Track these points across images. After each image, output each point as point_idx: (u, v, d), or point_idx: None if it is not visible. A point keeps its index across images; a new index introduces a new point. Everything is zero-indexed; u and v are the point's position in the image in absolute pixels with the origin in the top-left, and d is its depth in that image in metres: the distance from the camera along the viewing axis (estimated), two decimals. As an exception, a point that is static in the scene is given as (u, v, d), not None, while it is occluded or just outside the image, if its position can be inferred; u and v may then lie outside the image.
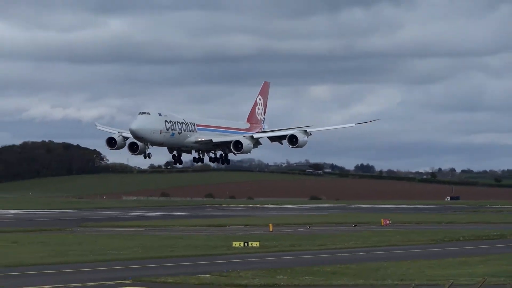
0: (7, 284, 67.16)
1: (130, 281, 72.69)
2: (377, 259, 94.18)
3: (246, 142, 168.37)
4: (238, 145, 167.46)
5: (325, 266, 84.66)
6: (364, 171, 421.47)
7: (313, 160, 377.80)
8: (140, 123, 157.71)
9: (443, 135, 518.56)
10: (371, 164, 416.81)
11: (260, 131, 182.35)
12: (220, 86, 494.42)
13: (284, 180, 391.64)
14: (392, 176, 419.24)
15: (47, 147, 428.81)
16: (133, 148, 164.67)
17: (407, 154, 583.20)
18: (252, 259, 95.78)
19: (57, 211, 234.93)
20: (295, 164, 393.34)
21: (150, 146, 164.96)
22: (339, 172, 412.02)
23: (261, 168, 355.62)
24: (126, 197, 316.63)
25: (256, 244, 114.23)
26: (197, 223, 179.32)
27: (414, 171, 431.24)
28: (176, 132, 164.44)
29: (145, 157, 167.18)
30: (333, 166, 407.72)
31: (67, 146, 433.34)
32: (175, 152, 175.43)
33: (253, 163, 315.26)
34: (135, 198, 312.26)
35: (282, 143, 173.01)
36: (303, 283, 70.99)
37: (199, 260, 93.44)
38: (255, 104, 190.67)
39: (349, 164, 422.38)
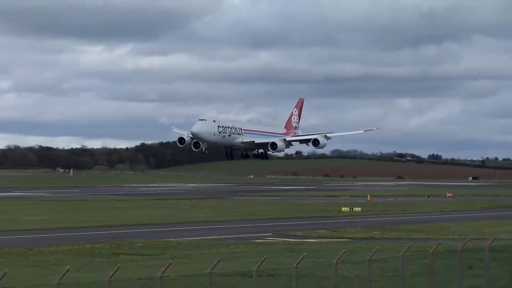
0: (187, 234, 65.99)
1: (270, 233, 71.23)
2: (444, 220, 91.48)
3: (280, 143, 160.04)
4: (274, 146, 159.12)
5: (407, 225, 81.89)
6: (435, 158, 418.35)
7: (399, 151, 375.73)
8: (198, 127, 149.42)
9: (490, 134, 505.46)
10: (439, 154, 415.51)
11: (293, 135, 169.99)
12: (334, 99, 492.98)
13: (378, 165, 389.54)
14: (454, 162, 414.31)
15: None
16: (196, 145, 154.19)
17: (465, 147, 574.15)
18: (355, 220, 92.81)
19: (221, 185, 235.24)
20: (386, 154, 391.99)
21: (206, 145, 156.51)
22: (417, 159, 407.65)
23: (362, 157, 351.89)
24: (268, 175, 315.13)
25: (358, 209, 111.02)
26: (317, 194, 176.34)
27: (469, 159, 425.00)
28: (226, 135, 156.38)
29: (202, 153, 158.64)
30: (412, 155, 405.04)
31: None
32: (228, 150, 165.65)
33: (356, 153, 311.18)
34: (274, 176, 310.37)
35: (308, 145, 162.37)
36: (391, 236, 68.54)
37: (319, 220, 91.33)
38: (291, 115, 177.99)
39: (424, 153, 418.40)
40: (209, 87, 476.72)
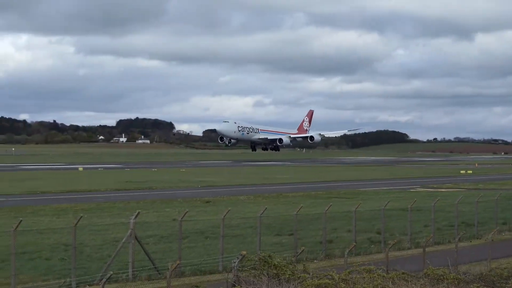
0: (369, 186, 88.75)
1: (419, 186, 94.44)
2: None
3: (285, 139, 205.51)
4: (280, 140, 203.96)
5: (503, 181, 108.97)
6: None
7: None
8: (222, 127, 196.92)
9: None
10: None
11: (301, 134, 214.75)
12: None
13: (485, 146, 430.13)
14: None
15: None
16: (221, 139, 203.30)
17: None
18: (466, 178, 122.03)
19: (390, 158, 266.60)
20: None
21: (229, 139, 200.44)
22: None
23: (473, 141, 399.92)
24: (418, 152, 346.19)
25: (470, 171, 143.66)
26: (446, 163, 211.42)
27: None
28: (245, 132, 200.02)
29: (225, 145, 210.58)
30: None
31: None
32: (252, 144, 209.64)
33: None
34: (421, 152, 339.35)
35: (308, 139, 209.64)
36: (490, 188, 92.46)
37: (447, 178, 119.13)
38: (303, 121, 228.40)
39: None
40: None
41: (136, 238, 30.68)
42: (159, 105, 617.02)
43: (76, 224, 29.10)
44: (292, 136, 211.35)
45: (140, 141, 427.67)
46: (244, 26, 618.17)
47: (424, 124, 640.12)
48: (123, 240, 30.78)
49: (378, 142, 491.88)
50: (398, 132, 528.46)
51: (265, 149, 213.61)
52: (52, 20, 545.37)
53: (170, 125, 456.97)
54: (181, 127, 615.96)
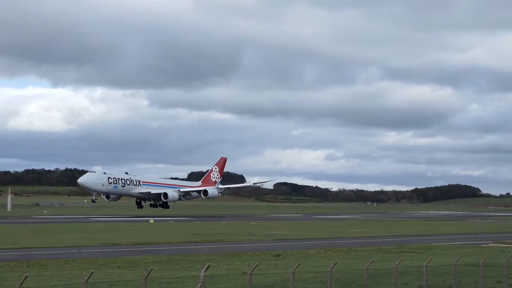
0: (442, 240, 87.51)
1: (491, 241, 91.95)
2: None
3: (172, 194, 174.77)
4: (165, 195, 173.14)
5: None
6: None
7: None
8: (84, 178, 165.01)
9: None
10: None
11: (194, 188, 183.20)
12: None
13: None
14: None
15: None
16: (107, 196, 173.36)
17: None
18: None
19: (460, 212, 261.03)
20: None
21: (95, 193, 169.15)
22: None
23: None
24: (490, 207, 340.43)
25: None
26: None
27: None
28: (119, 185, 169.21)
29: (92, 201, 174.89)
30: None
31: None
32: (137, 200, 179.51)
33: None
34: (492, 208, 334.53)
35: (202, 195, 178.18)
36: None
37: None
38: (211, 171, 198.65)
39: None
40: None
41: (206, 291, 30.83)
42: (231, 157, 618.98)
43: (146, 276, 29.46)
44: (182, 190, 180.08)
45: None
46: (318, 80, 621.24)
47: (497, 178, 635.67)
48: (193, 293, 30.95)
49: (450, 196, 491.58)
50: (470, 186, 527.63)
51: (154, 205, 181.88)
52: (127, 74, 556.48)
53: (241, 178, 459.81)
54: (252, 180, 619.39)
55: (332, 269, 36.38)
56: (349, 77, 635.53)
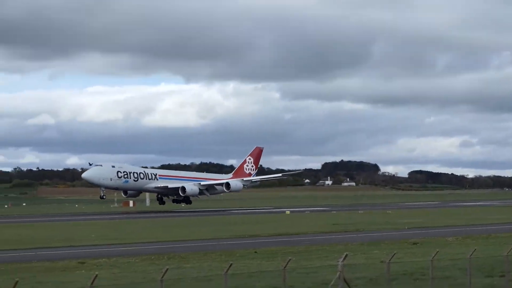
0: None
1: None
2: None
3: (190, 188, 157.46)
4: (183, 190, 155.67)
5: None
6: None
7: None
8: (89, 173, 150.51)
9: None
10: None
11: (244, 179, 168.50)
12: None
13: None
14: None
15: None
16: (125, 193, 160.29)
17: None
18: None
19: None
20: None
21: (103, 189, 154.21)
22: None
23: None
24: None
25: None
26: None
27: None
28: (131, 180, 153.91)
29: (101, 197, 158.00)
30: None
31: None
32: (158, 196, 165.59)
33: None
34: None
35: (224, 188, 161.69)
36: None
37: None
38: (244, 162, 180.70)
39: None
40: None
41: (345, 280, 30.82)
42: (364, 147, 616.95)
43: (285, 266, 29.67)
44: (203, 183, 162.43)
45: (345, 184, 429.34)
46: (450, 66, 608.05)
47: None
48: (332, 282, 31.00)
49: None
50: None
51: (176, 201, 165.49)
52: (258, 68, 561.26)
53: (375, 167, 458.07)
54: (386, 169, 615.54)
55: (471, 256, 35.64)
56: (482, 63, 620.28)
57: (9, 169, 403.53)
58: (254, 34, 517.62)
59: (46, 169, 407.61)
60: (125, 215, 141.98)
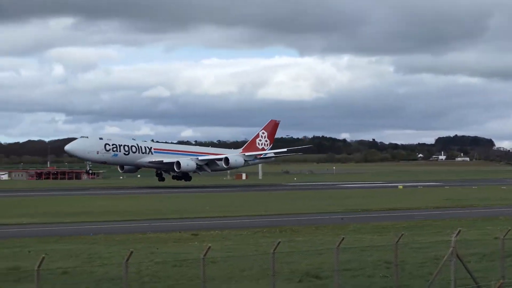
0: None
1: None
2: None
3: (185, 163, 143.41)
4: (178, 165, 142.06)
5: None
6: None
7: None
8: (73, 145, 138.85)
9: None
10: None
11: (246, 154, 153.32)
12: None
13: None
14: None
15: None
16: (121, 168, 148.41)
17: None
18: None
19: None
20: None
21: (90, 163, 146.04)
22: None
23: None
24: None
25: None
26: None
27: None
28: (121, 153, 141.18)
29: (87, 172, 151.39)
30: None
31: None
32: (158, 172, 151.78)
33: None
34: None
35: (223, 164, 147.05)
36: None
37: None
38: (257, 136, 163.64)
39: None
40: None
41: (457, 256, 30.30)
42: (479, 122, 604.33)
43: (397, 241, 29.40)
44: (201, 158, 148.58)
45: (459, 159, 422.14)
46: None
47: None
48: (444, 258, 30.51)
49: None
50: None
51: (176, 177, 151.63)
52: (372, 41, 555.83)
53: (490, 142, 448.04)
54: (502, 144, 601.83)
55: None
56: None
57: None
58: (368, 7, 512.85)
59: (161, 141, 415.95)
60: (237, 188, 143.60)
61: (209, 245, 26.29)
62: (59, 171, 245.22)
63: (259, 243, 44.92)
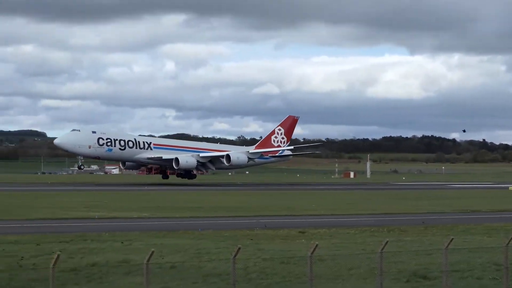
0: None
1: None
2: None
3: (184, 160, 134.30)
4: (176, 161, 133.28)
5: None
6: None
7: None
8: (63, 139, 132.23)
9: None
10: None
11: (250, 151, 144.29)
12: None
13: None
14: None
15: None
16: (123, 163, 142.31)
17: None
18: None
19: None
20: None
21: (81, 158, 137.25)
22: None
23: None
24: None
25: None
26: None
27: None
28: (116, 148, 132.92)
29: (79, 167, 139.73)
30: None
31: None
32: (162, 169, 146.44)
33: None
34: None
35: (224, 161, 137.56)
36: None
37: None
38: (272, 133, 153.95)
39: None
40: None
41: None
42: None
43: (507, 243, 28.61)
44: (203, 155, 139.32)
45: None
46: None
47: None
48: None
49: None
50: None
51: (181, 175, 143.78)
52: (484, 39, 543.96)
53: None
54: None
55: None
56: None
57: (233, 138, 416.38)
58: (480, 5, 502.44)
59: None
60: (343, 186, 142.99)
61: (316, 243, 26.18)
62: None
63: (367, 242, 44.51)
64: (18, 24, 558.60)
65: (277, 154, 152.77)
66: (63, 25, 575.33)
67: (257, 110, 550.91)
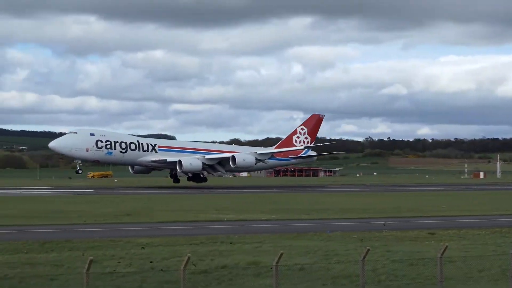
0: None
1: None
2: None
3: (187, 162, 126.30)
4: (180, 164, 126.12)
5: None
6: None
7: None
8: (58, 142, 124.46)
9: None
10: None
11: (258, 152, 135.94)
12: None
13: None
14: None
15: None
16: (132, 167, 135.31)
17: None
18: None
19: None
20: None
21: (80, 162, 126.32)
22: None
23: None
24: None
25: None
26: None
27: None
28: (117, 150, 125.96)
29: (77, 172, 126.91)
30: None
31: None
32: (172, 173, 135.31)
33: None
34: None
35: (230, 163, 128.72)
36: None
37: None
38: (294, 132, 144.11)
39: None
40: None
41: None
42: None
43: None
44: (208, 157, 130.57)
45: None
46: None
47: None
48: None
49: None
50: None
51: (191, 179, 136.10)
52: None
53: None
54: None
55: None
56: None
57: (361, 139, 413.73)
58: None
59: (397, 139, 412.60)
60: (474, 187, 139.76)
61: (446, 244, 25.75)
62: (296, 168, 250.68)
63: (498, 243, 43.43)
64: (148, 30, 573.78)
65: (299, 155, 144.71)
66: (192, 31, 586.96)
67: (384, 111, 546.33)
